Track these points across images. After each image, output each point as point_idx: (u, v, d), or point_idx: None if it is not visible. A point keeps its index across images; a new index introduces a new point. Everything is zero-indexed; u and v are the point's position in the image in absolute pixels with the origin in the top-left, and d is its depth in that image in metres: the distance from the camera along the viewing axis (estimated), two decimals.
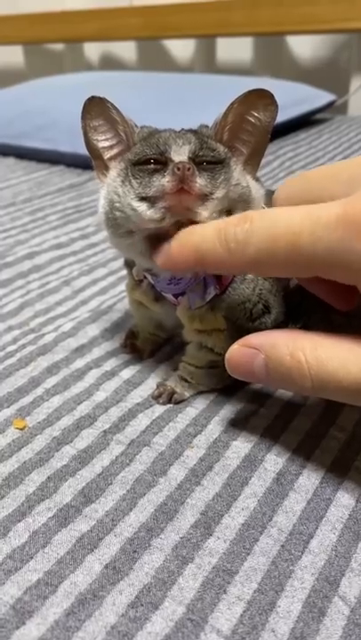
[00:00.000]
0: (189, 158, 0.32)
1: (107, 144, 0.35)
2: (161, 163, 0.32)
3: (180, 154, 0.32)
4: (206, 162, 0.32)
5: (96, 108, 0.34)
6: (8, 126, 1.05)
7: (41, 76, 1.41)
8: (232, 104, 0.33)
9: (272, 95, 0.33)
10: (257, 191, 0.34)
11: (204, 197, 0.31)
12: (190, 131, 0.35)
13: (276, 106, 0.33)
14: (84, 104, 0.34)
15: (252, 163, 0.35)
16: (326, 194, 0.27)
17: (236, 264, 0.29)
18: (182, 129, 0.35)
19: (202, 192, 0.31)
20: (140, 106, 0.97)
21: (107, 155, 0.35)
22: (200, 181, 0.31)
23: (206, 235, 0.29)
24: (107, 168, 0.35)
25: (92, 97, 0.34)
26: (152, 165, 0.32)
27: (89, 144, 0.36)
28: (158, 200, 0.31)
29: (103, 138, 0.35)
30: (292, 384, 0.28)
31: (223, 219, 0.30)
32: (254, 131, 0.34)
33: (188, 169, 0.30)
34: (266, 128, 0.34)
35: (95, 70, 1.73)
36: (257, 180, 0.35)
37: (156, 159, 0.32)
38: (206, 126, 0.35)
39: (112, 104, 0.34)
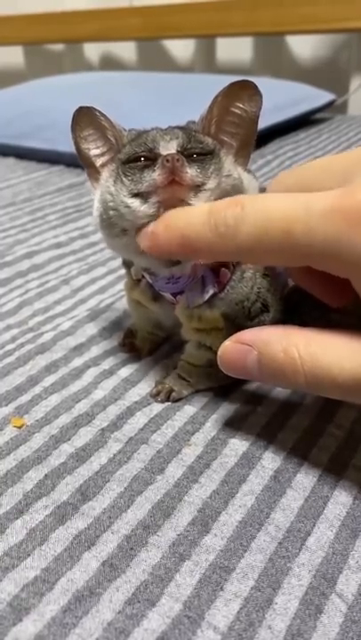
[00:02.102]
0: (178, 151, 0.32)
1: (98, 152, 0.36)
2: (151, 159, 0.32)
3: (168, 148, 0.32)
4: (196, 154, 0.32)
5: (85, 118, 0.35)
6: (8, 126, 1.05)
7: (41, 77, 1.41)
8: (216, 97, 0.33)
9: (255, 85, 0.33)
10: (249, 182, 0.34)
11: (197, 189, 0.31)
12: (177, 127, 0.35)
13: (261, 95, 0.33)
14: (73, 116, 0.35)
15: (243, 154, 0.35)
16: (320, 186, 0.27)
17: (225, 250, 0.28)
18: (169, 126, 0.35)
19: (193, 182, 0.31)
20: (141, 106, 0.98)
21: (98, 162, 0.36)
22: (191, 171, 0.31)
23: (194, 217, 0.29)
24: (100, 175, 0.36)
25: (80, 107, 0.35)
26: (142, 162, 0.32)
27: (80, 153, 0.36)
28: (151, 195, 0.31)
29: (94, 146, 0.36)
30: (285, 380, 0.28)
31: (213, 202, 0.29)
32: (241, 122, 0.34)
33: (178, 160, 0.30)
34: (252, 118, 0.34)
35: (95, 70, 1.73)
36: (249, 171, 0.35)
37: (145, 156, 0.32)
38: (193, 122, 0.35)
39: (100, 111, 0.35)
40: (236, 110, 0.34)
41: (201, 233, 0.28)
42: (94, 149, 0.36)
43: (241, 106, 0.33)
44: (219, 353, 0.30)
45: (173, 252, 0.30)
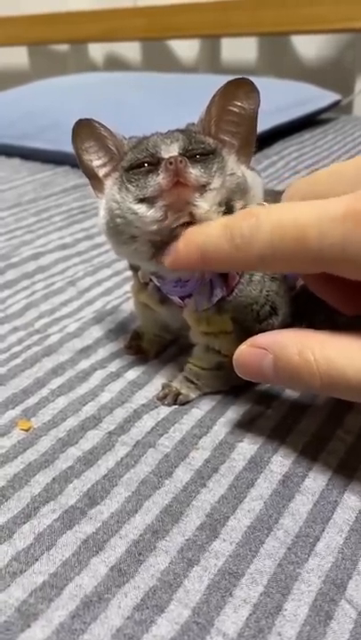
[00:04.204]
0: (180, 154, 0.32)
1: (100, 162, 0.36)
2: (153, 164, 0.32)
3: (170, 151, 0.32)
4: (198, 154, 0.32)
5: (85, 129, 0.35)
6: (12, 127, 1.05)
7: (45, 77, 1.41)
8: (213, 97, 0.33)
9: (252, 82, 0.33)
10: (253, 180, 0.34)
11: (202, 189, 0.31)
12: (177, 130, 0.35)
13: (258, 92, 0.33)
14: (73, 128, 0.35)
15: (245, 152, 0.35)
16: (333, 192, 0.27)
17: (242, 260, 0.29)
18: (169, 130, 0.35)
19: (198, 183, 0.31)
20: (145, 106, 0.97)
21: (101, 172, 0.36)
22: (194, 172, 0.31)
23: (212, 232, 0.29)
24: (103, 185, 0.36)
25: (80, 120, 0.35)
26: (145, 168, 0.32)
27: (83, 165, 0.36)
28: (157, 199, 0.31)
29: (96, 157, 0.36)
30: (300, 383, 0.28)
31: (228, 216, 0.30)
32: (241, 120, 0.34)
33: (181, 161, 0.30)
34: (251, 116, 0.34)
35: (99, 71, 1.73)
36: (252, 169, 0.35)
37: (148, 161, 0.32)
38: (193, 124, 0.35)
39: (99, 122, 0.35)
40: (235, 109, 0.34)
41: (218, 245, 0.29)
42: (96, 160, 0.36)
43: (239, 104, 0.33)
44: (234, 357, 0.30)
45: (194, 266, 0.31)
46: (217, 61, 1.55)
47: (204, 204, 0.31)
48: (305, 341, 0.27)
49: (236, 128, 0.34)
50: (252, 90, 0.33)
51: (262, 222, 0.27)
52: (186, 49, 1.60)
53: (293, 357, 0.27)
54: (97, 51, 1.76)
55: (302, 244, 0.26)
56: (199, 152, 0.32)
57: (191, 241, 0.30)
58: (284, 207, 0.28)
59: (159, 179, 0.31)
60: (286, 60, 1.46)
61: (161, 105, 0.97)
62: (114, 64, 1.76)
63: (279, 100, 1.04)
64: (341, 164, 0.29)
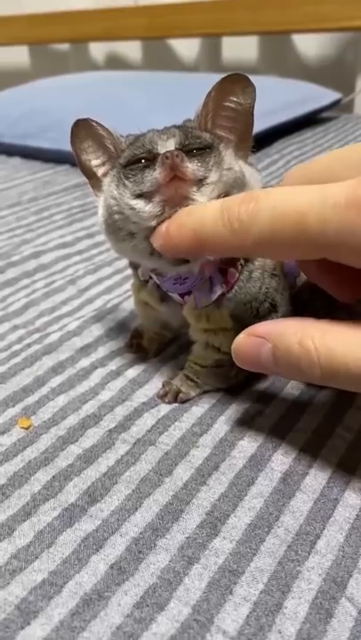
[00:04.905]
0: (177, 148, 0.32)
1: (98, 162, 0.36)
2: (150, 160, 0.32)
3: (166, 147, 0.32)
4: (195, 149, 0.32)
5: (83, 130, 0.35)
6: (13, 126, 1.05)
7: (46, 76, 1.41)
8: (210, 93, 0.33)
9: (247, 78, 0.33)
10: (251, 175, 0.34)
11: (199, 183, 0.31)
12: (174, 126, 0.35)
13: (254, 87, 0.33)
14: (72, 129, 0.35)
15: (243, 147, 0.35)
16: (336, 177, 0.26)
17: (239, 245, 0.28)
18: (165, 127, 0.35)
19: (195, 176, 0.31)
20: (146, 105, 0.97)
21: (100, 171, 0.36)
22: (191, 166, 0.31)
23: (207, 214, 0.29)
24: (102, 184, 0.36)
25: (77, 120, 0.35)
26: (142, 163, 0.32)
27: (81, 165, 0.36)
28: (154, 194, 0.31)
29: (94, 157, 0.36)
30: (300, 373, 0.27)
31: (225, 198, 0.29)
32: (238, 116, 0.34)
33: (177, 155, 0.30)
34: (248, 111, 0.34)
35: (100, 70, 1.73)
36: (250, 165, 0.35)
37: (145, 157, 0.32)
38: (190, 120, 0.35)
39: (97, 122, 0.35)
40: (231, 104, 0.34)
41: (215, 230, 0.28)
42: (94, 160, 0.36)
43: (235, 99, 0.33)
44: (233, 346, 0.30)
45: (186, 250, 0.30)
46: (218, 60, 1.55)
47: (201, 199, 0.31)
48: (305, 330, 0.27)
49: (232, 123, 0.34)
50: (248, 85, 0.33)
51: (261, 206, 0.26)
52: (187, 48, 1.60)
53: (293, 346, 0.27)
54: (98, 50, 1.76)
55: (302, 230, 0.25)
56: (196, 147, 0.32)
57: (185, 222, 0.30)
58: (284, 191, 0.27)
59: (156, 173, 0.31)
60: (287, 58, 1.46)
61: (162, 104, 0.97)
62: (115, 63, 1.75)
63: (280, 98, 1.04)
64: (345, 148, 0.29)
